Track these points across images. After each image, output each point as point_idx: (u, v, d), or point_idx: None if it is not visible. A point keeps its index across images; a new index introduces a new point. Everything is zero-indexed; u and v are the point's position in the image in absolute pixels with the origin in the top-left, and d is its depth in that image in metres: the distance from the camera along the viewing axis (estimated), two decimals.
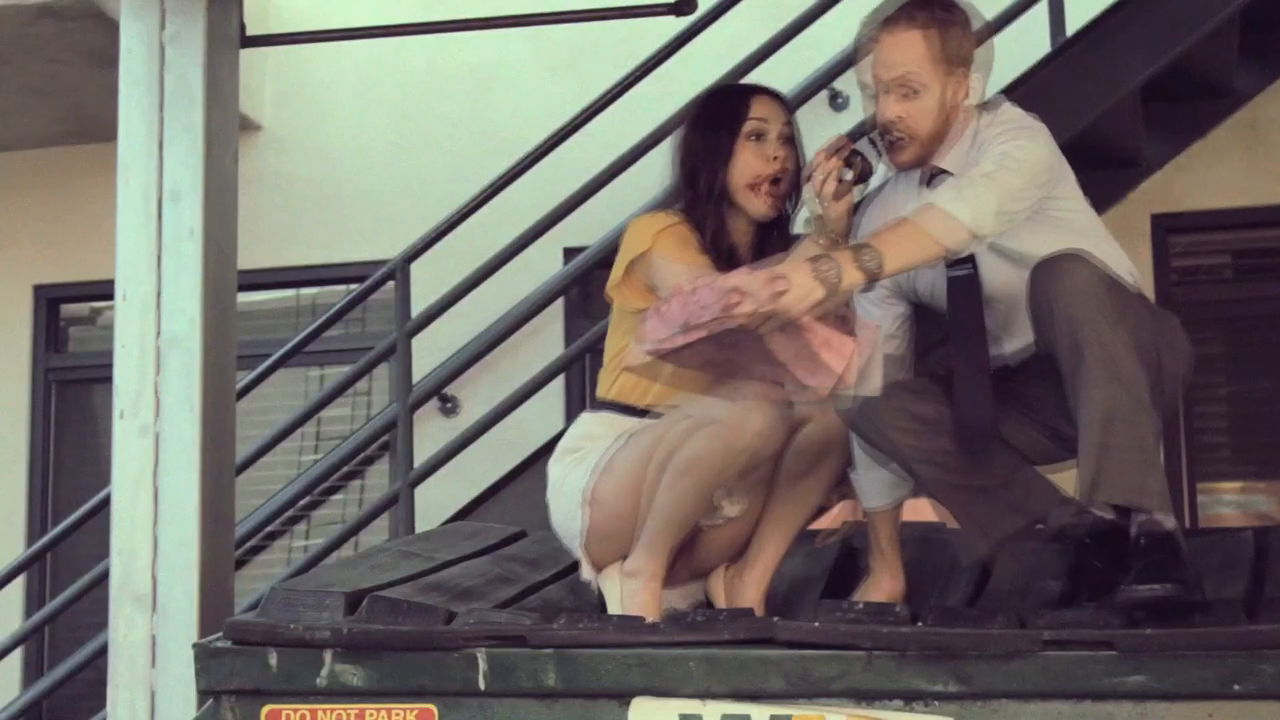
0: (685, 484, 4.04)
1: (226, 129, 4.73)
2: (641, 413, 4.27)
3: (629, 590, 4.13)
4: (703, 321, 3.54)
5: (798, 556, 4.51)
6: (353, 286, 7.55)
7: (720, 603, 4.30)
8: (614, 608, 4.14)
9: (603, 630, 3.64)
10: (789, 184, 4.32)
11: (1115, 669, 3.30)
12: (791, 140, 4.34)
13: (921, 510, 4.45)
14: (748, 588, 4.28)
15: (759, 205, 4.29)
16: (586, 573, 4.26)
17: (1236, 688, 3.27)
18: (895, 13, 4.01)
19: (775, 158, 4.28)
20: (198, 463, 4.49)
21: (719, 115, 4.36)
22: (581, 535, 4.22)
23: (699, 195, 4.32)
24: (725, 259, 4.22)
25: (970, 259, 3.91)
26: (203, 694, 3.79)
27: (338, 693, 3.68)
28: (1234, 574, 3.83)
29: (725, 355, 3.66)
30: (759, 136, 4.30)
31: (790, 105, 4.52)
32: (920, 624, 3.51)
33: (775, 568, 4.32)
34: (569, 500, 4.25)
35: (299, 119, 8.38)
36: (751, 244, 4.33)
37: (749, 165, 4.28)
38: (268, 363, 7.35)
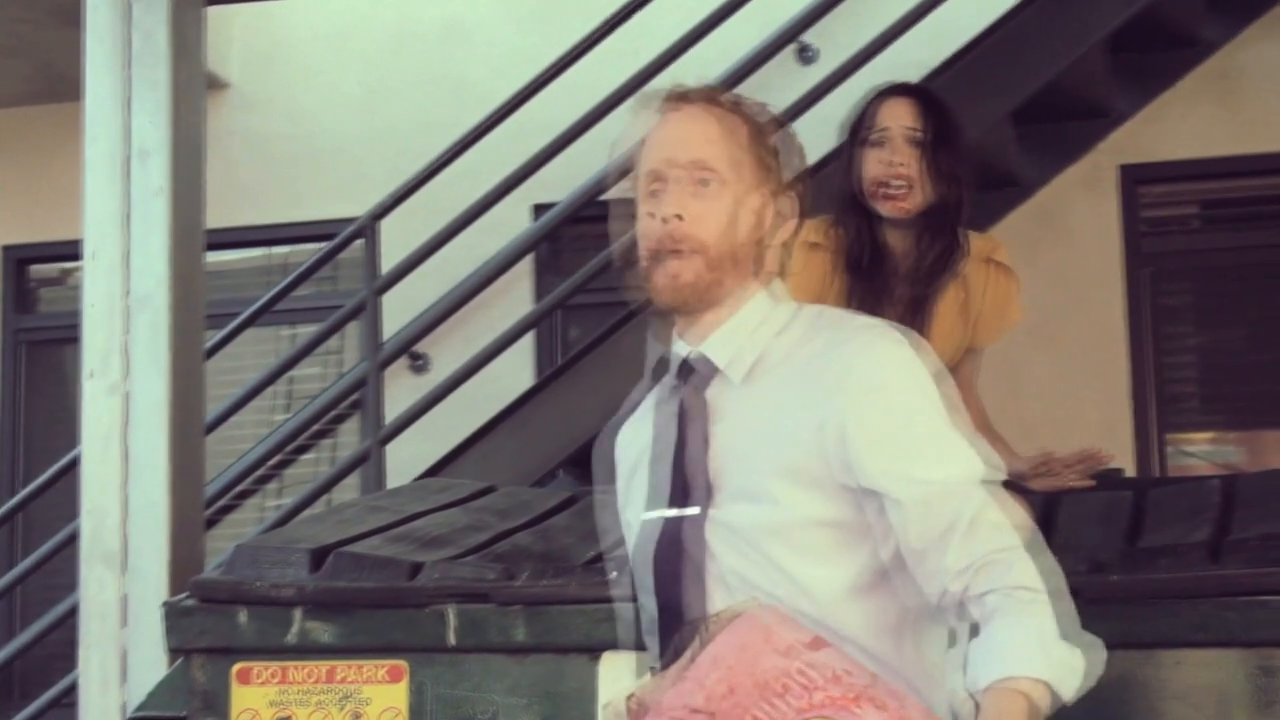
0: None
1: (194, 87, 4.71)
2: None
3: None
4: None
5: None
6: (322, 244, 7.52)
7: None
8: None
9: (564, 586, 3.65)
10: (919, 186, 4.18)
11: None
12: (918, 142, 4.18)
13: None
14: None
15: (883, 207, 4.21)
16: None
17: (1203, 635, 3.29)
18: (687, 92, 2.85)
19: (891, 163, 4.20)
20: (167, 422, 4.49)
21: (854, 122, 4.31)
22: None
23: (836, 201, 4.29)
24: (871, 260, 4.21)
25: None
26: (173, 653, 3.80)
27: (308, 650, 3.69)
28: (1201, 521, 3.82)
29: None
30: (878, 144, 4.21)
31: (930, 103, 4.28)
32: None
33: None
34: None
35: (267, 76, 8.34)
36: (914, 237, 4.24)
37: (868, 171, 4.22)
38: (237, 321, 7.33)
